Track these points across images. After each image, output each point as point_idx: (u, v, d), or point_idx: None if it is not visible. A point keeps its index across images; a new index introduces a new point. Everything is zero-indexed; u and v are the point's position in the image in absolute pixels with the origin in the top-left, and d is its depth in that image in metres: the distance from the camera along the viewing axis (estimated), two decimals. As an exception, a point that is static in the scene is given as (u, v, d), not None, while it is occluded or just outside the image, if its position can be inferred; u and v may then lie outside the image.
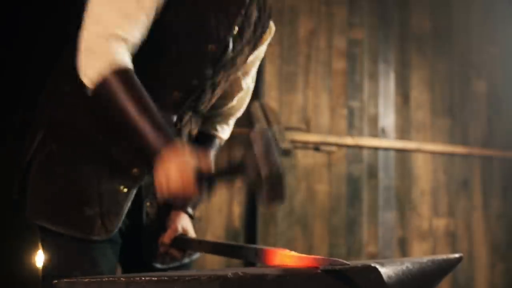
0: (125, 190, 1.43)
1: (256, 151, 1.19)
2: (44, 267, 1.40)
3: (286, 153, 3.13)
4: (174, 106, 1.45)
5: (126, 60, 1.29)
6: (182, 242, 1.59)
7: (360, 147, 3.52)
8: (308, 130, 3.41)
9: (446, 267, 1.18)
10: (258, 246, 1.28)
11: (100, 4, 1.30)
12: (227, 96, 1.68)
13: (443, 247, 3.65)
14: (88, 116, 1.41)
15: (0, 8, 2.82)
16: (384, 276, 1.03)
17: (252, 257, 1.24)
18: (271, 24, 1.63)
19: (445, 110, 3.79)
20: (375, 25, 3.66)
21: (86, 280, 0.89)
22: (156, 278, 0.89)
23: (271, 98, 3.33)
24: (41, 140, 1.43)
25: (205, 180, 1.25)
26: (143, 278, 0.89)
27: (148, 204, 1.55)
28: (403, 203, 3.61)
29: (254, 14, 1.52)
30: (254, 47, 1.59)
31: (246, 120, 3.22)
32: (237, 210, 3.21)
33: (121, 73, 1.27)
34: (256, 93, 3.26)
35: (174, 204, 1.58)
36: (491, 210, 3.84)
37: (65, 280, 0.88)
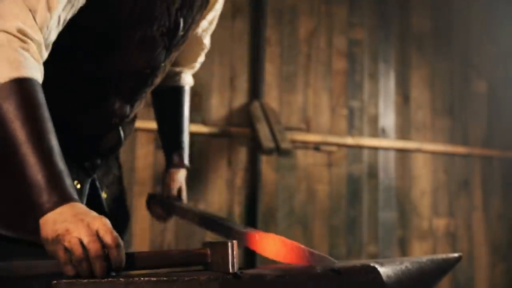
0: (79, 186, 1.36)
1: None
2: None
3: (286, 153, 3.13)
4: (129, 95, 1.40)
5: (30, 65, 1.02)
6: (171, 206, 1.57)
7: (360, 147, 3.52)
8: (308, 130, 3.41)
9: (445, 267, 1.18)
10: (245, 228, 1.23)
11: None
12: (190, 56, 1.70)
13: (443, 247, 3.65)
14: None
15: None
16: (383, 276, 1.04)
17: (236, 238, 1.14)
18: None
19: (445, 110, 3.79)
20: (375, 25, 3.66)
21: (85, 280, 0.89)
22: (155, 279, 0.90)
23: (271, 98, 3.33)
24: None
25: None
26: (141, 279, 0.89)
27: (105, 195, 1.51)
28: (403, 203, 3.61)
29: None
30: (205, 9, 1.48)
31: (246, 120, 3.23)
32: (237, 210, 3.21)
33: (19, 83, 0.99)
34: (256, 93, 3.26)
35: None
36: (491, 210, 3.84)
37: (64, 280, 0.88)
